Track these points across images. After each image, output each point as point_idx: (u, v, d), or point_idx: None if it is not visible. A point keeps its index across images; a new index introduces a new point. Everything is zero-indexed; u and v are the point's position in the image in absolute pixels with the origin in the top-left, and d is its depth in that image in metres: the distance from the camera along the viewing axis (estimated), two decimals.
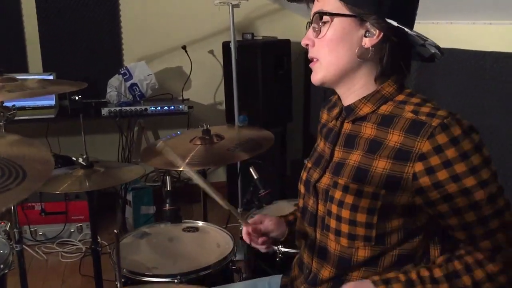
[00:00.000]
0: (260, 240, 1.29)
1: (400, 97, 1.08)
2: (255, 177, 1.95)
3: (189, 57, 3.51)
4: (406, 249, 1.08)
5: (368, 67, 1.08)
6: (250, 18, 3.67)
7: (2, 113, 1.56)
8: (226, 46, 3.54)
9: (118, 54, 3.56)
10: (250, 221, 1.34)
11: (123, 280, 1.59)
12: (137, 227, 3.10)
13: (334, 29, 1.06)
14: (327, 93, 3.51)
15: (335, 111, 1.20)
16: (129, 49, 3.57)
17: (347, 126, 1.15)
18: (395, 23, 1.01)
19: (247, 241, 1.33)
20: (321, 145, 1.23)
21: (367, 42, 1.05)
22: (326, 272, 1.15)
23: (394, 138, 1.04)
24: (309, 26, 1.12)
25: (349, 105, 1.13)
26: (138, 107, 3.20)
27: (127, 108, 3.18)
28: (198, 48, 3.60)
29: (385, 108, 1.08)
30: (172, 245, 1.79)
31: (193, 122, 3.38)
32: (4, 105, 1.54)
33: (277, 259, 1.68)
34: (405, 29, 1.01)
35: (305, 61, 3.83)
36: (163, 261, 1.66)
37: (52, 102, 3.30)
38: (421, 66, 2.05)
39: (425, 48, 1.08)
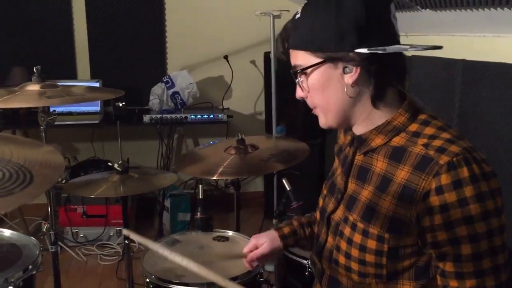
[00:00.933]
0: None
1: (414, 127, 1.00)
2: (288, 188, 1.93)
3: (230, 66, 3.54)
4: (421, 282, 1.01)
5: (363, 99, 1.01)
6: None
7: (42, 118, 1.61)
8: (267, 56, 3.56)
9: (162, 63, 3.64)
10: (245, 249, 1.35)
11: (151, 286, 1.61)
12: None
13: (312, 79, 1.02)
14: None
15: (348, 137, 1.15)
16: (172, 57, 3.64)
17: (359, 157, 1.09)
18: (365, 50, 0.94)
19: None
20: (338, 172, 1.18)
21: (349, 79, 0.98)
22: None
23: (402, 174, 0.96)
24: (295, 78, 1.07)
25: (360, 135, 1.07)
26: (178, 115, 3.25)
27: (168, 115, 3.24)
28: (240, 58, 3.63)
29: (397, 140, 1.01)
30: (202, 254, 1.79)
31: (232, 131, 3.40)
32: (43, 110, 1.60)
33: (306, 273, 1.66)
34: (379, 52, 0.93)
35: None
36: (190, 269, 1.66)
37: (98, 108, 3.41)
38: (465, 84, 1.97)
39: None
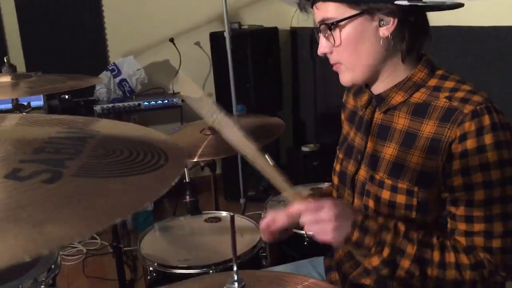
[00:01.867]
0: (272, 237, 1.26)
1: (433, 82, 1.05)
2: (272, 163, 1.94)
3: (177, 49, 3.46)
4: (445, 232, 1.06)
5: (393, 54, 1.04)
6: (235, 7, 3.64)
7: (17, 111, 1.50)
8: (214, 36, 3.51)
9: (103, 50, 3.47)
10: (261, 225, 1.32)
11: (154, 274, 1.57)
12: (137, 227, 3.09)
13: (346, 33, 1.02)
14: (317, 81, 3.53)
15: (364, 98, 1.16)
16: (114, 44, 3.49)
17: (378, 116, 1.11)
18: (406, 2, 0.97)
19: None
20: (352, 134, 1.20)
21: (385, 32, 1.01)
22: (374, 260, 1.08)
23: (428, 128, 1.01)
24: (318, 33, 1.07)
25: (379, 94, 1.09)
26: (131, 103, 3.14)
27: (120, 104, 3.12)
28: (185, 40, 3.56)
29: (418, 96, 1.05)
30: (197, 237, 1.77)
31: (186, 116, 3.34)
32: (19, 103, 1.48)
33: (305, 243, 1.69)
34: (418, 4, 0.98)
35: (292, 49, 3.84)
36: (194, 252, 1.64)
37: (41, 103, 3.19)
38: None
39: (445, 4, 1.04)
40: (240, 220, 1.84)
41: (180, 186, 3.35)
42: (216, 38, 3.49)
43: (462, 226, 1.00)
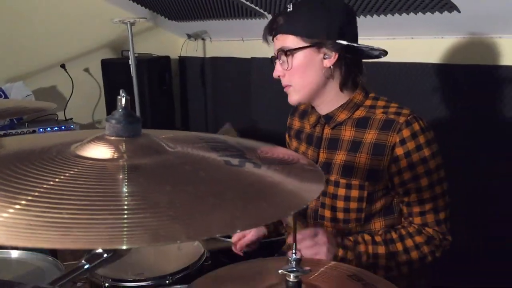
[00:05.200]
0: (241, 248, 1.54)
1: (369, 102, 1.34)
2: None
3: (69, 75, 3.41)
4: (389, 218, 1.36)
5: (333, 82, 1.32)
6: (125, 36, 3.71)
7: None
8: (105, 63, 3.56)
9: None
10: (234, 238, 1.55)
11: None
12: None
13: (298, 60, 1.28)
14: (207, 104, 3.78)
15: (312, 118, 1.42)
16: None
17: (327, 131, 1.37)
18: (345, 42, 1.27)
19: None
20: (302, 149, 1.46)
21: (327, 63, 1.29)
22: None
23: (370, 136, 1.29)
24: (275, 60, 1.34)
25: (327, 114, 1.36)
26: (25, 130, 3.01)
27: (13, 131, 2.97)
28: (76, 65, 3.52)
29: (359, 113, 1.33)
30: (136, 254, 1.83)
31: None
32: None
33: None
34: (354, 44, 1.29)
35: (181, 77, 4.05)
36: (142, 266, 1.71)
37: None
38: None
39: (372, 51, 1.32)
40: None
41: None
42: (107, 65, 3.55)
43: (416, 209, 1.31)
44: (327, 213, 1.36)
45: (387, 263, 1.28)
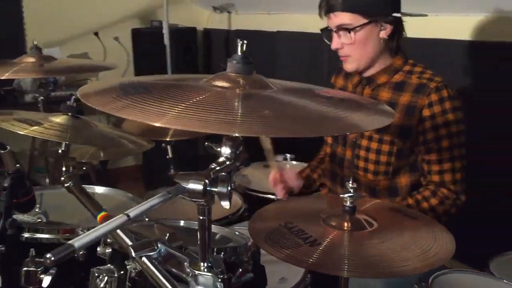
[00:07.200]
0: (281, 186, 1.65)
1: (407, 67, 1.51)
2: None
3: (102, 43, 3.57)
4: (414, 174, 1.53)
5: (385, 49, 1.49)
6: (154, 6, 3.86)
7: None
8: (135, 32, 3.71)
9: (22, 41, 3.44)
10: (270, 179, 1.68)
11: None
12: None
13: (359, 35, 1.44)
14: None
15: (355, 79, 1.59)
16: (32, 38, 3.46)
17: (367, 92, 1.55)
18: (398, 15, 1.45)
19: (271, 184, 1.70)
20: None
21: (384, 34, 1.46)
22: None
23: (405, 98, 1.46)
24: (330, 33, 1.47)
25: (369, 76, 1.53)
26: (63, 93, 3.19)
27: (52, 94, 3.13)
28: (107, 34, 3.68)
29: (397, 78, 1.50)
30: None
31: None
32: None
33: None
34: (406, 15, 1.46)
35: (206, 49, 4.19)
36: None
37: None
38: None
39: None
40: None
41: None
42: (137, 34, 3.70)
43: (435, 167, 1.48)
44: (361, 164, 1.54)
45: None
